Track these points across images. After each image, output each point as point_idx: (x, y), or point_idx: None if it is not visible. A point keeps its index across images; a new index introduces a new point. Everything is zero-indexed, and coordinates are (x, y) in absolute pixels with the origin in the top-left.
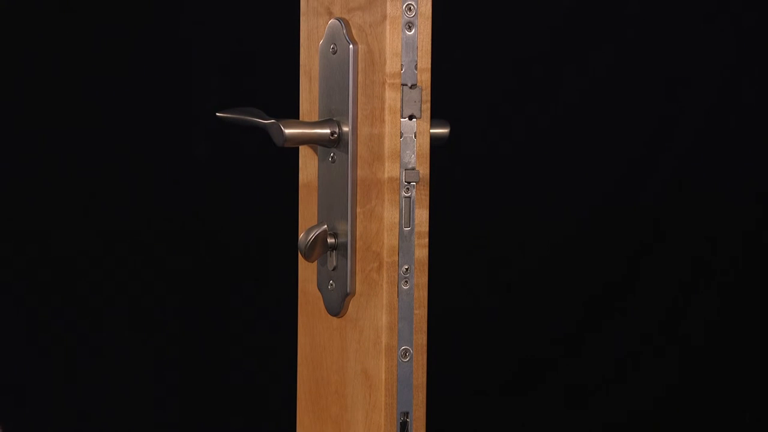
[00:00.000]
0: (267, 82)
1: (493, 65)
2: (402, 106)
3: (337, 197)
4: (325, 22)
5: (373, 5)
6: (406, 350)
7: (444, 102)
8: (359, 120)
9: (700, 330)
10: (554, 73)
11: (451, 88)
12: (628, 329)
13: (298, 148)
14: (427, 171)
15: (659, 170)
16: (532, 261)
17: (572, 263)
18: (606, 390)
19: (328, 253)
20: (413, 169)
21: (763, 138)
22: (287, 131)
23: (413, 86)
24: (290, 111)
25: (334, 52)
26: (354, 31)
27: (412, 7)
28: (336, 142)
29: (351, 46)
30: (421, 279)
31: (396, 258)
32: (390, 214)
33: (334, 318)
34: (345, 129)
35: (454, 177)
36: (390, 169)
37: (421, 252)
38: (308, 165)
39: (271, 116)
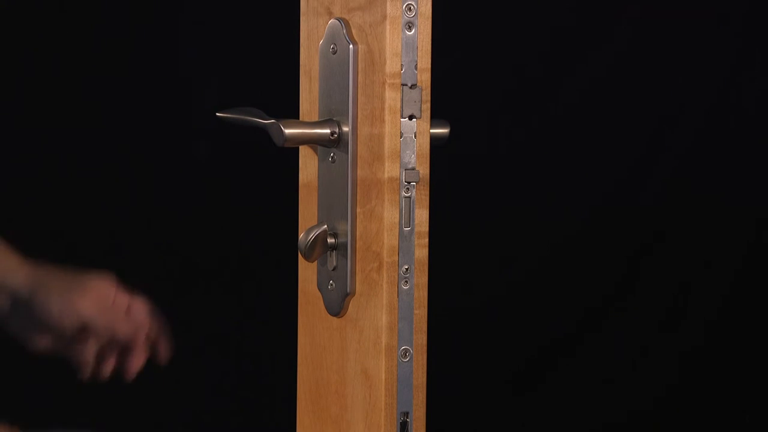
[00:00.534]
0: (267, 82)
1: (493, 65)
2: (402, 106)
3: (337, 197)
4: (325, 22)
5: (373, 5)
6: (406, 350)
7: (444, 102)
8: (359, 120)
9: (700, 330)
10: (554, 73)
11: (451, 88)
12: (627, 329)
13: (298, 148)
14: (427, 171)
15: (659, 170)
16: (532, 261)
17: (572, 263)
18: (606, 390)
19: (328, 253)
20: (413, 169)
21: (763, 138)
22: (287, 131)
23: (413, 86)
24: (290, 111)
25: (334, 52)
26: (354, 31)
27: (412, 7)
28: (336, 142)
29: (351, 46)
30: (421, 279)
31: (396, 258)
32: (390, 214)
33: (334, 318)
34: (345, 129)
35: (454, 177)
36: (390, 169)
37: (421, 252)
38: (308, 165)
39: (271, 116)
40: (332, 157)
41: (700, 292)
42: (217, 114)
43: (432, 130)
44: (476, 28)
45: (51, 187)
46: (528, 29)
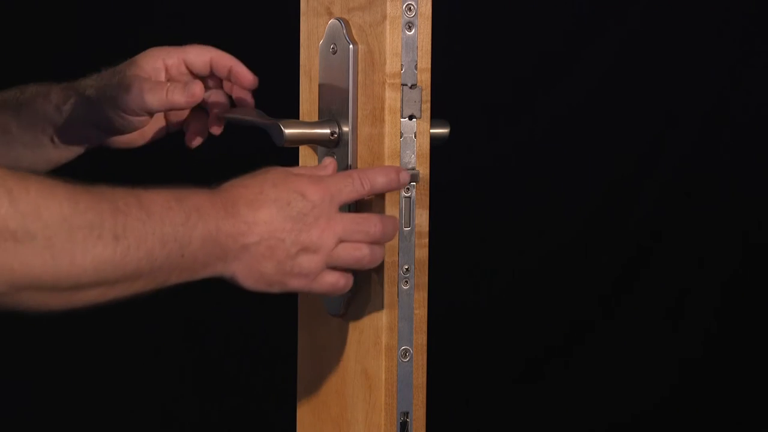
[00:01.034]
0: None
1: (493, 66)
2: (402, 106)
3: None
4: (325, 22)
5: (373, 5)
6: (406, 350)
7: (444, 102)
8: (359, 120)
9: (700, 330)
10: (554, 73)
11: (451, 88)
12: (627, 330)
13: (298, 148)
14: (427, 171)
15: (659, 172)
16: (532, 261)
17: (572, 263)
18: (607, 390)
19: None
20: (413, 169)
21: (763, 138)
22: (287, 131)
23: (413, 86)
24: (290, 111)
25: (334, 52)
26: (354, 31)
27: (412, 7)
28: (336, 142)
29: (351, 46)
30: (421, 279)
31: (396, 258)
32: (390, 214)
33: (334, 318)
34: (345, 129)
35: (454, 177)
36: None
37: (421, 252)
38: (308, 165)
39: (271, 116)
40: (332, 157)
41: (700, 292)
42: (218, 114)
43: (432, 130)
44: (476, 28)
45: None
46: (527, 30)
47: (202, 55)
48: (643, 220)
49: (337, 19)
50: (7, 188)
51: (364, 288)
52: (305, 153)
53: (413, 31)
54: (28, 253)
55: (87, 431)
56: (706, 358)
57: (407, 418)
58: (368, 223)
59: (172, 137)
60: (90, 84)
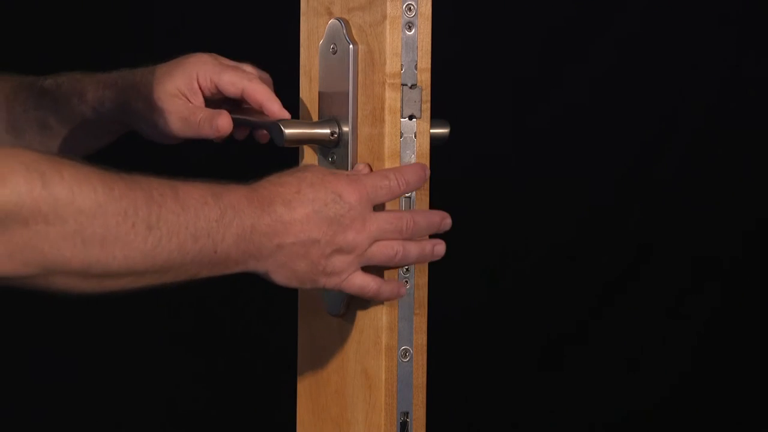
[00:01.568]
0: None
1: (493, 66)
2: (402, 106)
3: None
4: (325, 22)
5: (373, 5)
6: (406, 350)
7: (444, 102)
8: (359, 120)
9: (700, 330)
10: (554, 73)
11: (451, 88)
12: (627, 329)
13: (298, 148)
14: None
15: (659, 171)
16: (532, 261)
17: (572, 263)
18: (607, 391)
19: None
20: None
21: (763, 138)
22: (287, 131)
23: (413, 86)
24: (290, 111)
25: (334, 52)
26: (354, 31)
27: (412, 7)
28: (336, 142)
29: (351, 46)
30: (421, 279)
31: None
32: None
33: (334, 318)
34: (345, 129)
35: (454, 177)
36: None
37: None
38: (310, 164)
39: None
40: (332, 157)
41: (700, 292)
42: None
43: (432, 130)
44: (476, 28)
45: None
46: (528, 29)
47: (235, 84)
48: (644, 220)
49: (337, 19)
50: (41, 172)
51: None
52: (305, 153)
53: (413, 31)
54: (58, 236)
55: (86, 430)
56: (706, 358)
57: (407, 418)
58: (401, 222)
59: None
60: (122, 84)
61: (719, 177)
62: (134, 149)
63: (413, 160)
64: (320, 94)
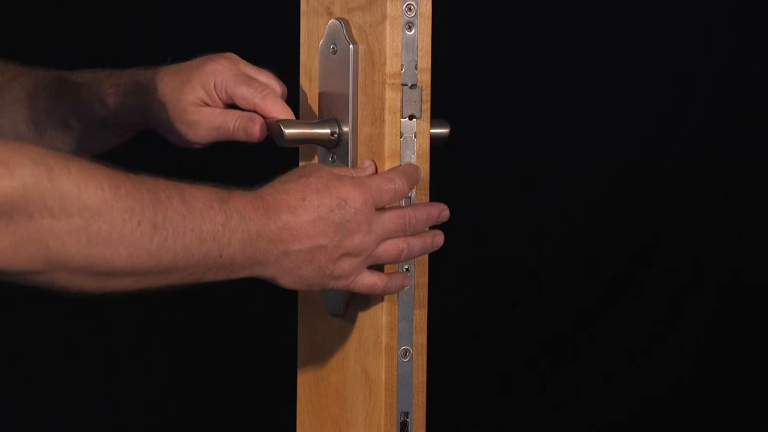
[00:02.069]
0: None
1: (493, 66)
2: (402, 106)
3: None
4: (325, 22)
5: (373, 5)
6: (406, 350)
7: (444, 102)
8: (359, 120)
9: (699, 330)
10: (554, 73)
11: (451, 88)
12: (628, 330)
13: (298, 148)
14: (427, 171)
15: (662, 168)
16: (532, 261)
17: (572, 263)
18: (608, 391)
19: None
20: None
21: (763, 138)
22: (287, 131)
23: (413, 86)
24: None
25: (334, 52)
26: (354, 31)
27: (412, 7)
28: (336, 142)
29: (351, 46)
30: (421, 279)
31: None
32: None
33: (334, 318)
34: (345, 129)
35: (454, 177)
36: None
37: None
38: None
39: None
40: (332, 157)
41: (700, 292)
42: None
43: (432, 130)
44: (476, 28)
45: None
46: (527, 31)
47: (248, 100)
48: (644, 220)
49: (337, 19)
50: (48, 166)
51: None
52: (305, 153)
53: (413, 31)
54: (63, 232)
55: (86, 430)
56: (706, 358)
57: (407, 418)
58: (404, 220)
59: None
60: (144, 92)
61: (719, 177)
62: (135, 148)
63: (413, 160)
64: (320, 94)
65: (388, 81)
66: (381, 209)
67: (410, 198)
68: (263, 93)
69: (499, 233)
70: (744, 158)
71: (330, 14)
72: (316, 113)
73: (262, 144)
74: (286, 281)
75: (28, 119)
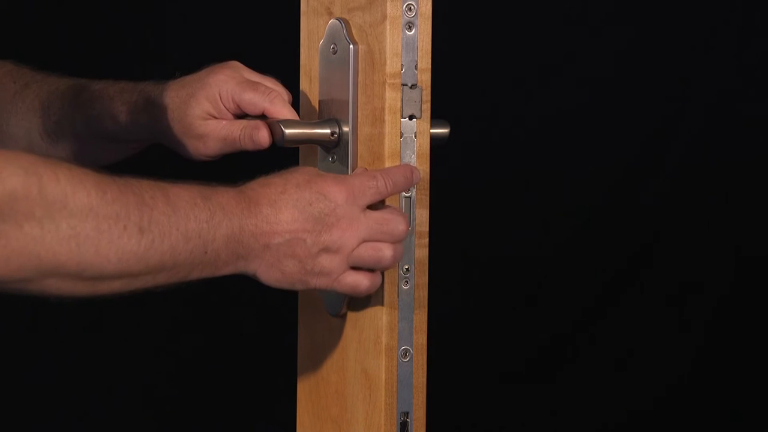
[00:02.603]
0: None
1: (493, 66)
2: (402, 106)
3: None
4: (325, 22)
5: (373, 5)
6: (406, 350)
7: (444, 102)
8: (359, 120)
9: (700, 330)
10: (554, 73)
11: (451, 88)
12: (627, 330)
13: (298, 148)
14: (427, 171)
15: (659, 171)
16: (532, 261)
17: (572, 263)
18: (608, 391)
19: None
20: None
21: (763, 138)
22: (287, 131)
23: (413, 86)
24: None
25: (334, 52)
26: (354, 31)
27: (412, 7)
28: (336, 142)
29: (351, 46)
30: (421, 279)
31: None
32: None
33: (334, 318)
34: (345, 129)
35: (454, 177)
36: None
37: (421, 252)
38: (308, 165)
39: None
40: (332, 157)
41: (700, 292)
42: None
43: (432, 130)
44: (476, 28)
45: None
46: (528, 28)
47: (255, 105)
48: (645, 218)
49: (337, 19)
50: (38, 176)
51: None
52: (305, 153)
53: (413, 31)
54: (53, 240)
55: (85, 430)
56: (706, 358)
57: (407, 418)
58: (391, 225)
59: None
60: (154, 109)
61: (719, 177)
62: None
63: (413, 160)
64: (320, 94)
65: (388, 81)
66: (368, 209)
67: (410, 198)
68: (271, 97)
69: (499, 233)
70: (744, 158)
71: (330, 14)
72: (316, 113)
73: None
74: (269, 278)
75: (42, 130)
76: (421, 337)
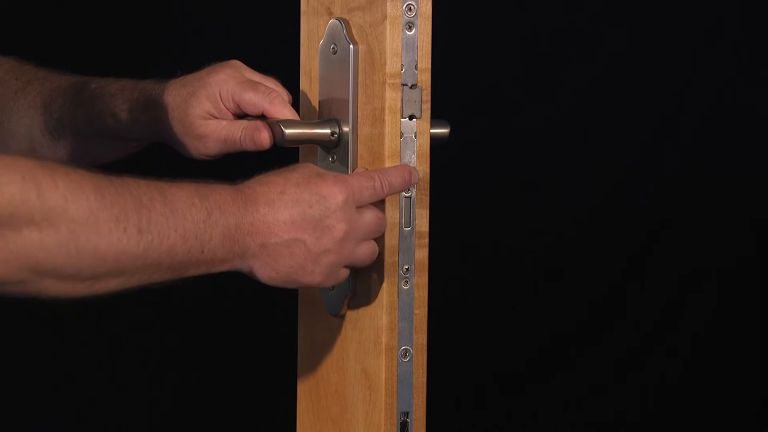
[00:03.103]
0: None
1: (494, 66)
2: (402, 106)
3: None
4: (325, 22)
5: (374, 5)
6: (406, 350)
7: (444, 102)
8: (359, 120)
9: (699, 331)
10: (554, 73)
11: (451, 88)
12: (626, 331)
13: (298, 148)
14: (427, 171)
15: (659, 171)
16: (532, 261)
17: (572, 264)
18: (606, 390)
19: None
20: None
21: (763, 138)
22: (287, 131)
23: (413, 86)
24: None
25: (334, 52)
26: (354, 31)
27: (412, 7)
28: (336, 142)
29: (351, 46)
30: (421, 279)
31: (396, 258)
32: (390, 214)
33: (334, 318)
34: (345, 129)
35: (454, 177)
36: None
37: (421, 252)
38: (309, 164)
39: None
40: (332, 157)
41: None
42: None
43: (432, 130)
44: (476, 28)
45: None
46: (528, 27)
47: (255, 105)
48: (644, 218)
49: (338, 19)
50: (37, 182)
51: (364, 288)
52: (305, 153)
53: (413, 31)
54: (53, 244)
55: (84, 429)
56: (707, 356)
57: (407, 418)
58: (382, 224)
59: None
60: (155, 108)
61: (719, 177)
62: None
63: (413, 160)
64: (320, 94)
65: (388, 81)
66: (363, 209)
67: (410, 198)
68: (271, 97)
69: (499, 233)
70: (744, 158)
71: (330, 14)
72: (317, 113)
73: None
74: (265, 275)
75: (43, 127)
76: (421, 337)
